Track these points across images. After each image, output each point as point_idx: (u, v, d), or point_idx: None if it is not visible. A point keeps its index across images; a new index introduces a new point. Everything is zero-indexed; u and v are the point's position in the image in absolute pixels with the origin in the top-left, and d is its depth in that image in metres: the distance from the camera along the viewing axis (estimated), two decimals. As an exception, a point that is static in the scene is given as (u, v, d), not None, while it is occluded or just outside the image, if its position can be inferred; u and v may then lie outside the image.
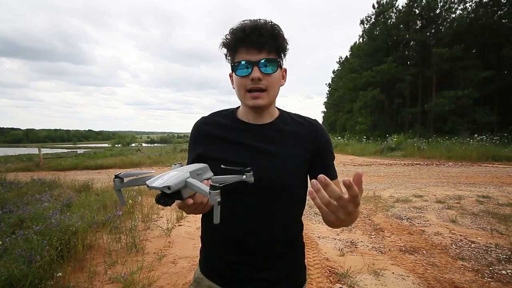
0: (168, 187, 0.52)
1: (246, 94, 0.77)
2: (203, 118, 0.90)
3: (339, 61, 43.95)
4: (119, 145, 29.43)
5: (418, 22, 24.92)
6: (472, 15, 21.70)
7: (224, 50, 0.79)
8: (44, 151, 15.88)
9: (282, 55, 0.79)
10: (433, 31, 24.12)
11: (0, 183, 5.56)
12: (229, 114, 0.87)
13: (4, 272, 1.99)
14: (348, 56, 37.10)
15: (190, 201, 0.58)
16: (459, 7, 23.13)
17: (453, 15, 23.27)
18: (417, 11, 24.47)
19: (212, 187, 0.54)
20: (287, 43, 0.78)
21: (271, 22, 0.75)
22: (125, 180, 0.62)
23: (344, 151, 17.59)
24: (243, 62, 0.74)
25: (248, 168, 0.71)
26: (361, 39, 31.31)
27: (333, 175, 0.84)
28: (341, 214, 0.55)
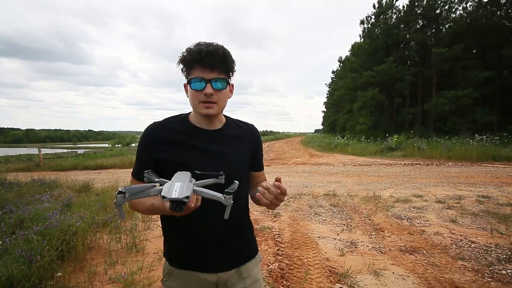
0: (187, 197, 0.62)
1: (199, 104, 0.90)
2: (155, 123, 0.97)
3: (339, 60, 43.97)
4: (119, 145, 29.41)
5: (418, 21, 24.90)
6: (473, 15, 21.68)
7: (181, 66, 0.92)
8: (44, 151, 15.87)
9: (231, 74, 0.95)
10: (433, 31, 24.11)
11: (0, 183, 5.56)
12: (181, 120, 0.98)
13: (4, 272, 1.99)
14: (348, 56, 37.10)
15: (192, 204, 0.67)
16: (459, 7, 23.16)
17: (453, 15, 23.28)
18: (418, 11, 24.46)
19: (227, 193, 0.69)
20: (235, 64, 0.94)
21: (223, 47, 0.90)
22: (127, 195, 0.68)
23: (344, 151, 17.58)
24: (198, 79, 0.88)
25: (221, 173, 0.84)
26: (361, 39, 31.30)
27: (262, 168, 1.12)
28: (278, 203, 0.83)
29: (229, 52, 0.92)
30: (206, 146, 0.94)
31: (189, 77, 0.89)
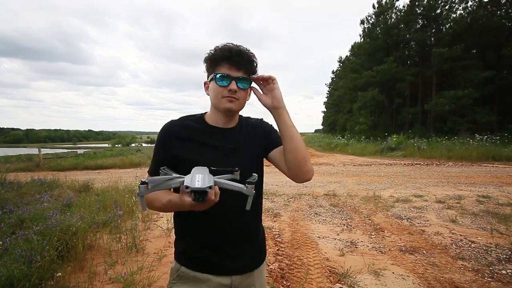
0: (210, 187, 0.64)
1: (222, 99, 0.92)
2: (173, 121, 0.99)
3: (339, 61, 43.97)
4: (119, 145, 29.42)
5: (419, 21, 24.89)
6: (473, 15, 21.67)
7: (208, 62, 0.95)
8: (44, 151, 15.87)
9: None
10: (433, 31, 24.11)
11: (0, 183, 5.56)
12: (197, 119, 0.99)
13: (5, 272, 1.99)
14: (348, 56, 37.09)
15: (212, 197, 0.68)
16: (460, 7, 23.16)
17: (454, 15, 23.27)
18: (418, 11, 24.46)
19: (249, 183, 0.71)
20: (257, 70, 0.97)
21: (249, 50, 0.93)
22: (149, 186, 0.69)
23: (344, 151, 17.59)
24: (224, 75, 0.90)
25: (236, 168, 0.84)
26: (361, 39, 31.30)
27: (279, 142, 1.02)
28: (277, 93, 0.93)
29: (255, 56, 0.95)
30: (221, 144, 0.95)
31: (215, 72, 0.91)
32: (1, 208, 3.63)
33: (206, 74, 0.97)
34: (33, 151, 17.89)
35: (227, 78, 0.90)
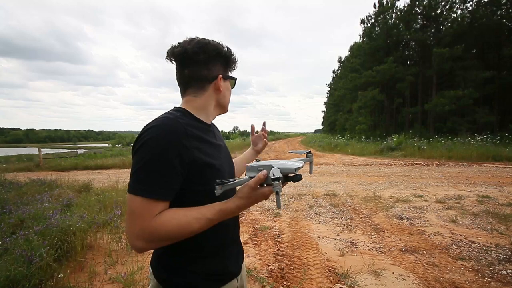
0: (302, 163, 0.77)
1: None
2: (171, 118, 0.75)
3: (339, 61, 43.97)
4: (119, 145, 29.41)
5: (419, 21, 24.88)
6: (473, 15, 21.67)
7: (226, 59, 0.90)
8: (44, 151, 15.86)
9: None
10: (433, 31, 24.11)
11: (0, 183, 5.56)
12: (187, 116, 0.82)
13: (5, 272, 1.99)
14: (348, 56, 37.09)
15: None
16: (460, 7, 23.15)
17: (454, 15, 23.27)
18: (418, 11, 24.45)
19: (308, 152, 1.01)
20: None
21: None
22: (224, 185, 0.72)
23: (344, 151, 17.58)
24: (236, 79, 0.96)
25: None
26: (361, 39, 31.31)
27: None
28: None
29: None
30: (216, 142, 0.90)
31: (231, 74, 0.94)
32: (1, 208, 3.63)
33: (217, 66, 0.86)
34: (33, 151, 17.88)
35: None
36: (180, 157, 0.70)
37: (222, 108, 0.94)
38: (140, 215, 0.67)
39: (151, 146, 0.68)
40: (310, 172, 1.01)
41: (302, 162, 0.77)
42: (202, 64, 0.83)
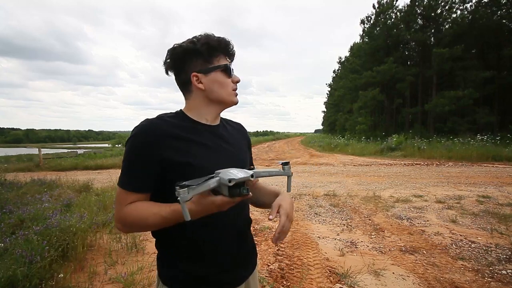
0: (252, 175, 0.61)
1: (232, 92, 0.87)
2: (149, 119, 0.81)
3: (339, 61, 43.99)
4: (119, 145, 29.41)
5: (418, 21, 24.89)
6: (473, 15, 21.68)
7: (203, 50, 0.82)
8: (44, 151, 15.85)
9: None
10: (433, 31, 24.12)
11: (0, 183, 5.56)
12: (178, 116, 0.85)
13: (5, 272, 1.99)
14: (349, 56, 37.10)
15: (250, 194, 0.65)
16: (460, 7, 23.17)
17: (454, 15, 23.28)
18: (418, 11, 24.46)
19: (284, 163, 0.73)
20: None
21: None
22: (189, 190, 0.60)
23: (344, 151, 17.58)
24: (231, 66, 0.86)
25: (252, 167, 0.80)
26: (361, 39, 31.32)
27: (252, 166, 1.02)
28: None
29: None
30: (214, 142, 0.85)
31: (218, 63, 0.83)
32: (1, 208, 3.63)
33: (192, 64, 0.83)
34: (33, 151, 17.89)
35: (231, 69, 0.86)
36: (151, 155, 0.75)
37: (219, 102, 0.87)
38: (117, 202, 0.78)
39: (129, 145, 0.78)
40: (288, 190, 0.78)
41: (250, 173, 0.61)
42: (178, 69, 0.85)
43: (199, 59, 0.83)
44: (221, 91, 0.85)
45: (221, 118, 0.96)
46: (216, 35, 0.85)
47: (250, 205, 1.02)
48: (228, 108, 0.93)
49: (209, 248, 0.82)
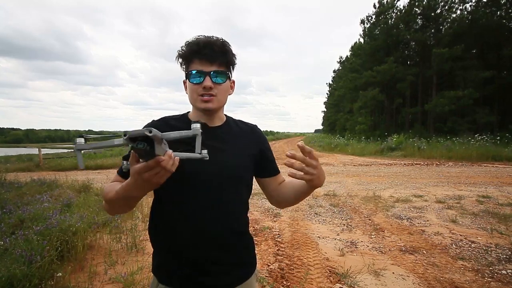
0: (150, 131, 0.50)
1: (198, 98, 0.85)
2: (155, 121, 0.92)
3: (340, 61, 43.98)
4: (119, 145, 29.36)
5: (418, 21, 24.90)
6: (473, 15, 21.68)
7: (180, 60, 0.87)
8: (44, 151, 15.86)
9: (231, 68, 0.90)
10: (433, 31, 24.12)
11: (0, 183, 5.56)
12: (181, 118, 0.94)
13: (5, 272, 1.99)
14: (349, 56, 37.11)
15: (162, 158, 0.57)
16: (460, 7, 23.18)
17: (454, 15, 23.28)
18: (418, 11, 24.47)
19: (194, 122, 0.70)
20: (236, 58, 0.89)
21: (222, 39, 0.86)
22: (89, 142, 0.61)
23: (344, 151, 17.59)
24: (196, 72, 0.83)
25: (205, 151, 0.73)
26: (361, 39, 31.33)
27: (277, 170, 1.01)
28: (312, 170, 0.75)
29: (229, 44, 0.87)
30: (206, 142, 0.82)
31: (188, 70, 0.85)
32: (1, 208, 3.63)
33: (184, 70, 0.89)
34: (33, 151, 17.88)
35: (200, 74, 0.82)
36: None
37: (194, 107, 0.90)
38: None
39: None
40: (198, 151, 0.71)
41: (150, 129, 0.51)
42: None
43: (184, 65, 0.88)
44: (190, 97, 0.88)
45: (229, 120, 0.98)
46: (216, 35, 0.86)
47: (253, 207, 1.00)
48: (226, 108, 0.96)
49: (175, 251, 0.84)
